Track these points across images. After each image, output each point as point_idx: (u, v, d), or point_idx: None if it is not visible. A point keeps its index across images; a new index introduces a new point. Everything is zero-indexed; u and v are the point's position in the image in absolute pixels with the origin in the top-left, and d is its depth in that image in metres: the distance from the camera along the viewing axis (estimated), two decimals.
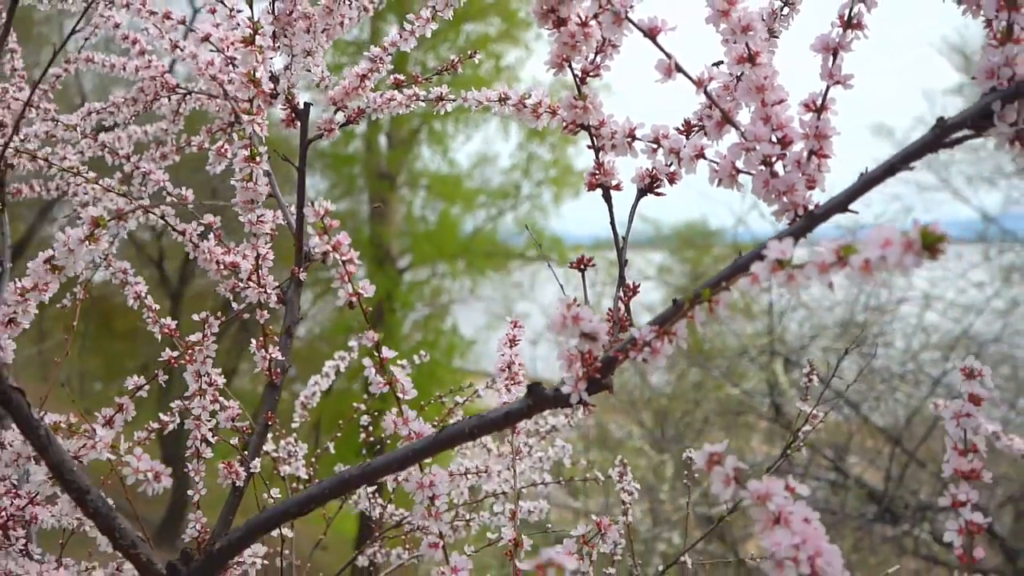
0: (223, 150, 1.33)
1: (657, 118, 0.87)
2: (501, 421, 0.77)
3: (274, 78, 1.16)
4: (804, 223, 0.70)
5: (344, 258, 0.81)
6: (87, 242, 0.86)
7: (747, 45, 0.74)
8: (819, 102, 0.74)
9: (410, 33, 1.21)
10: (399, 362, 0.88)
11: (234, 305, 1.19)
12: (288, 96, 1.18)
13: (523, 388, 0.91)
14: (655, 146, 0.84)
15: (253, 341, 1.17)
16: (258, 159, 0.98)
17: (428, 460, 0.85)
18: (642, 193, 0.87)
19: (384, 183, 10.39)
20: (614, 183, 0.86)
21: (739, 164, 0.76)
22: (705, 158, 0.81)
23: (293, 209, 1.29)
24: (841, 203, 0.69)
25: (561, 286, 1.05)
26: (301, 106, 1.22)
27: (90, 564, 1.17)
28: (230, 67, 1.24)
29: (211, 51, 1.24)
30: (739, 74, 0.76)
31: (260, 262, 1.12)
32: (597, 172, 0.86)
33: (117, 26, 1.35)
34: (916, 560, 6.28)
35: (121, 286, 1.35)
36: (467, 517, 1.48)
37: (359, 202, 10.68)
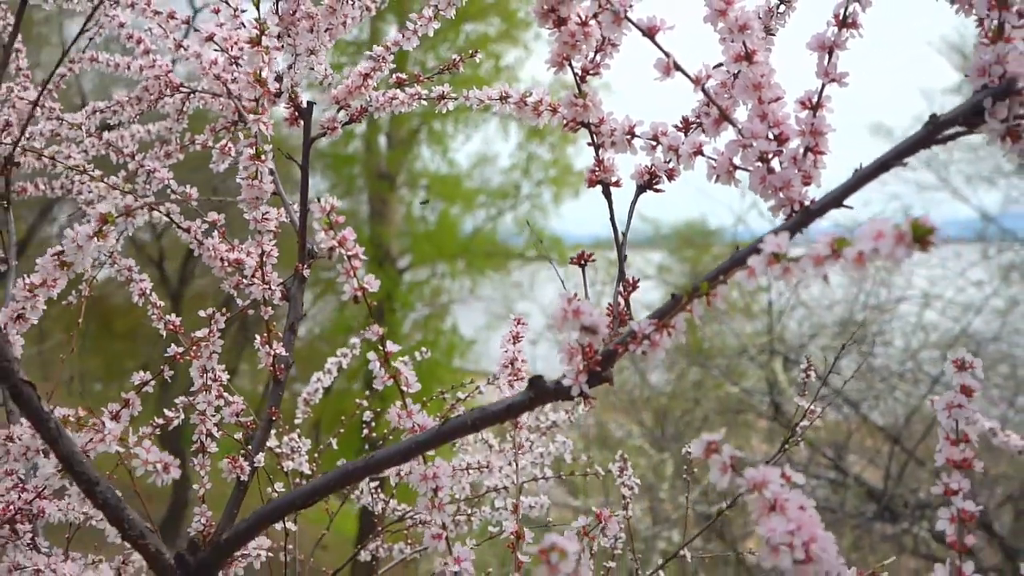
0: (227, 148, 1.34)
1: (656, 116, 0.89)
2: (503, 413, 0.79)
3: (278, 77, 1.17)
4: (800, 218, 0.72)
5: (349, 253, 0.83)
6: (95, 238, 0.87)
7: (744, 43, 0.76)
8: (815, 100, 0.75)
9: (413, 32, 1.23)
10: (401, 358, 0.90)
11: (238, 301, 1.20)
12: (292, 95, 1.20)
13: (525, 384, 0.92)
14: (654, 143, 0.85)
15: (257, 337, 1.18)
16: (263, 157, 1.00)
17: (431, 453, 0.86)
18: (641, 189, 0.89)
19: (384, 183, 10.41)
20: (614, 180, 0.88)
21: (736, 160, 0.78)
22: (703, 155, 0.82)
23: (295, 207, 1.31)
24: (836, 199, 0.70)
25: (562, 281, 1.06)
26: (304, 105, 1.24)
27: (96, 557, 1.18)
28: (234, 66, 1.25)
29: (215, 51, 1.26)
30: (736, 72, 0.78)
31: (264, 259, 1.13)
32: (597, 169, 0.88)
33: (122, 25, 1.37)
34: (916, 559, 6.29)
35: (126, 283, 1.36)
36: (468, 511, 1.50)
37: (359, 202, 10.69)
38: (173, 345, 1.15)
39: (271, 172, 1.04)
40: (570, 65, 0.84)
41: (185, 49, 1.30)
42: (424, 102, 1.27)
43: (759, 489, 0.63)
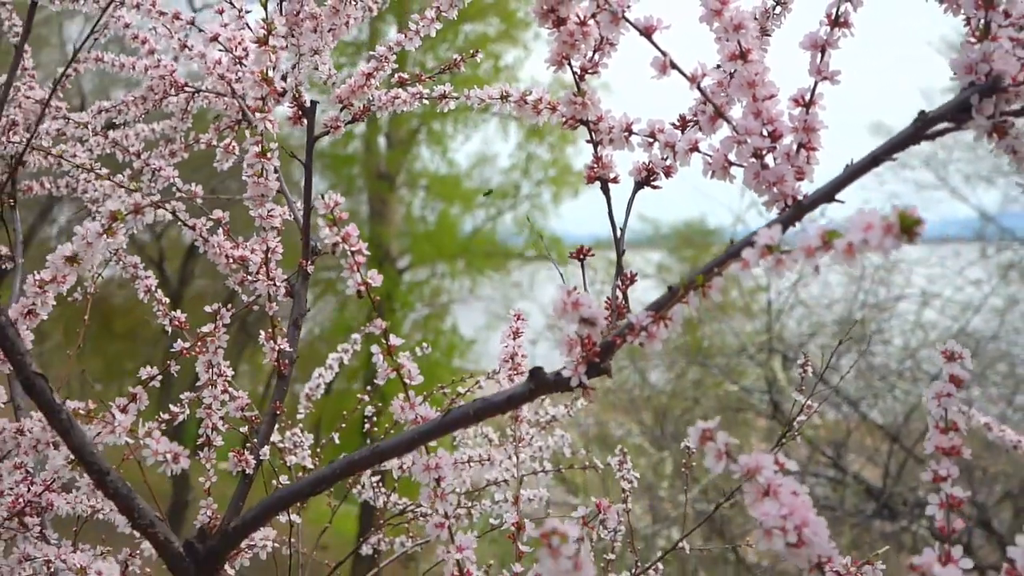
0: (231, 147, 1.36)
1: (654, 115, 0.90)
2: (504, 404, 0.81)
3: (282, 77, 1.19)
4: (793, 212, 0.74)
5: (353, 249, 0.85)
6: (105, 235, 0.89)
7: (739, 43, 0.78)
8: (808, 97, 0.77)
9: (415, 32, 1.25)
10: (402, 352, 0.92)
11: (243, 298, 1.22)
12: (296, 94, 1.22)
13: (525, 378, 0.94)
14: (651, 140, 0.87)
15: (262, 333, 1.20)
16: (269, 155, 1.01)
17: (433, 444, 0.88)
18: (639, 186, 0.91)
19: (383, 183, 10.43)
20: (612, 176, 0.90)
21: (731, 157, 0.80)
22: (699, 151, 0.84)
23: (299, 204, 1.33)
24: (828, 193, 0.72)
25: (563, 278, 1.08)
26: (308, 104, 1.26)
27: (105, 548, 1.20)
28: (238, 66, 1.27)
29: (219, 51, 1.28)
30: (732, 71, 0.80)
31: (269, 255, 1.15)
32: (595, 166, 0.90)
33: (127, 26, 1.39)
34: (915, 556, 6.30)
35: (131, 280, 1.38)
36: (468, 505, 1.52)
37: (359, 202, 10.72)
38: (179, 341, 1.17)
39: (275, 170, 1.06)
40: (569, 64, 0.86)
41: (190, 49, 1.32)
42: (426, 101, 1.29)
43: (753, 475, 0.65)
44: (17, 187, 1.54)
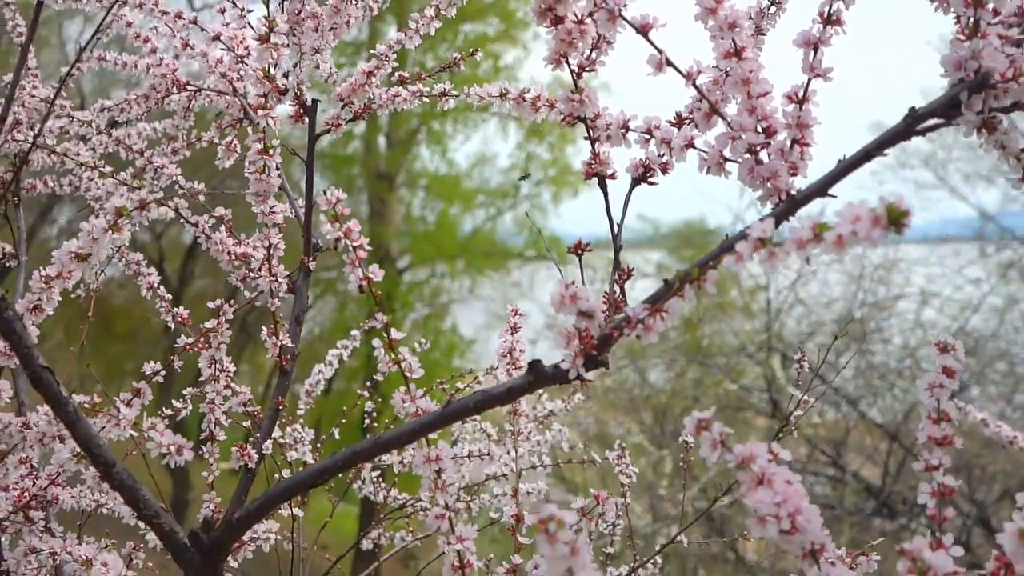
0: (232, 145, 1.38)
1: (652, 113, 0.92)
2: (503, 396, 0.82)
3: (284, 75, 1.21)
4: (786, 207, 0.75)
5: (355, 244, 0.86)
6: (110, 231, 0.91)
7: (733, 41, 0.79)
8: (801, 94, 0.79)
9: (415, 31, 1.26)
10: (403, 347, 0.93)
11: (246, 294, 1.24)
12: (297, 93, 1.23)
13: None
14: (648, 137, 0.89)
15: (264, 329, 1.22)
16: (271, 152, 1.03)
17: (433, 436, 0.89)
18: (636, 182, 0.92)
19: (383, 183, 10.45)
20: (609, 172, 0.91)
21: (726, 152, 0.81)
22: (695, 147, 0.85)
23: (300, 202, 1.34)
24: (820, 188, 0.73)
25: (562, 273, 1.09)
26: (309, 102, 1.27)
27: (110, 541, 1.22)
28: (239, 65, 1.28)
29: (221, 49, 1.29)
30: (727, 69, 0.81)
31: (272, 252, 1.17)
32: (593, 162, 0.91)
33: (129, 25, 1.40)
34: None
35: (134, 276, 1.39)
36: (468, 499, 1.53)
37: (358, 202, 10.73)
38: (183, 337, 1.19)
39: (277, 167, 1.08)
40: (567, 62, 0.87)
41: (192, 48, 1.33)
42: (426, 99, 1.30)
43: (747, 464, 0.66)
44: (20, 186, 1.55)
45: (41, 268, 0.97)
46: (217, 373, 1.19)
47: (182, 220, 1.24)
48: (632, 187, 0.92)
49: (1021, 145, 0.72)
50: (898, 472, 6.60)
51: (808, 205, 0.78)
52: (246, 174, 1.05)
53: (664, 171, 0.91)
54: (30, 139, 1.45)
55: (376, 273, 0.89)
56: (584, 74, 0.90)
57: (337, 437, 1.76)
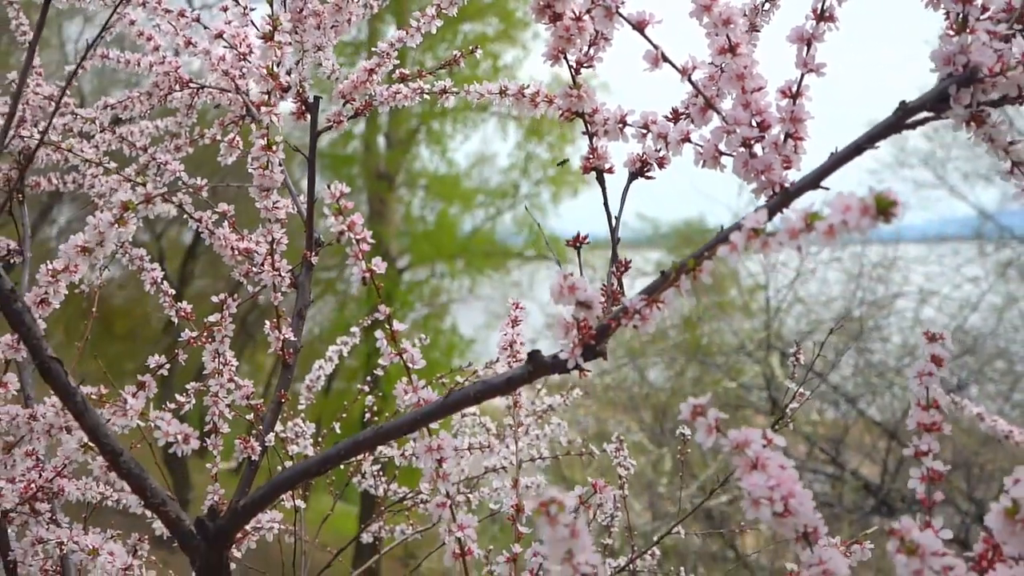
0: (234, 142, 1.39)
1: (649, 110, 0.93)
2: (503, 386, 0.84)
3: (287, 72, 1.22)
4: (780, 199, 0.77)
5: (358, 237, 0.88)
6: (117, 225, 0.92)
7: (728, 37, 0.81)
8: (794, 89, 0.80)
9: (416, 29, 1.28)
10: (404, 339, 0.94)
11: (249, 288, 1.25)
12: (299, 90, 1.25)
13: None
14: (645, 132, 0.90)
15: (267, 323, 1.23)
16: (274, 148, 1.04)
17: (435, 427, 0.91)
18: (633, 176, 0.94)
19: (383, 183, 10.46)
20: (607, 166, 0.93)
21: (721, 146, 0.83)
22: (691, 142, 0.87)
23: (302, 198, 1.36)
24: (813, 180, 0.75)
25: (561, 269, 1.11)
26: (311, 100, 1.29)
27: (115, 532, 1.23)
28: (242, 62, 1.30)
29: (224, 47, 1.31)
30: (722, 64, 0.83)
31: (275, 247, 1.18)
32: (591, 156, 0.93)
33: (133, 23, 1.42)
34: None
35: (138, 272, 1.40)
36: (467, 491, 1.55)
37: (358, 202, 10.74)
38: (186, 331, 1.20)
39: (280, 162, 1.09)
40: (565, 58, 0.89)
41: (194, 46, 1.35)
42: (426, 96, 1.32)
43: (742, 448, 0.68)
44: (25, 183, 1.57)
45: (48, 262, 0.98)
46: (221, 367, 1.21)
47: (185, 215, 1.25)
48: (629, 181, 0.94)
49: (1009, 138, 0.74)
50: (897, 470, 6.62)
51: (803, 199, 0.80)
52: (249, 170, 1.07)
53: (661, 165, 0.93)
54: (35, 136, 1.47)
55: (379, 266, 0.90)
56: (582, 70, 0.91)
57: (338, 432, 1.77)
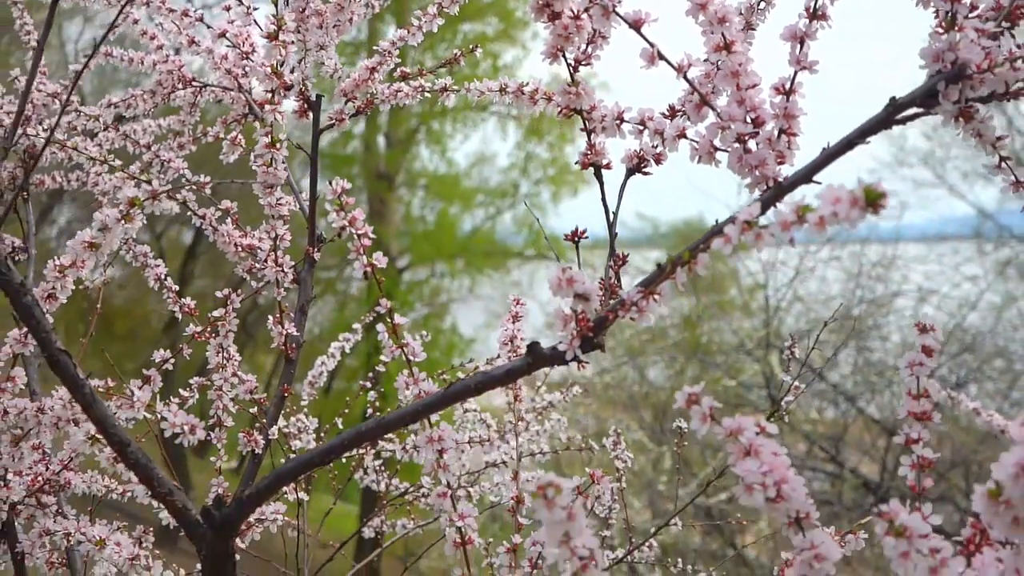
0: (237, 140, 1.41)
1: (646, 107, 0.95)
2: (503, 377, 0.85)
3: (290, 71, 1.24)
4: (773, 193, 0.78)
5: (359, 232, 0.89)
6: (123, 220, 0.94)
7: (723, 35, 0.83)
8: (788, 86, 0.82)
9: (417, 28, 1.30)
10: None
11: (252, 284, 1.27)
12: (302, 88, 1.26)
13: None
14: (641, 128, 0.92)
15: (271, 318, 1.25)
16: (278, 145, 1.06)
17: (435, 418, 0.93)
18: (631, 172, 0.95)
19: (382, 183, 10.48)
20: (605, 162, 0.95)
21: (716, 142, 0.85)
22: (687, 137, 0.89)
23: (304, 195, 1.37)
24: (805, 175, 0.77)
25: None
26: (313, 98, 1.30)
27: (121, 524, 1.25)
28: (244, 61, 1.32)
29: (227, 46, 1.32)
30: (717, 62, 0.84)
31: (278, 243, 1.20)
32: (589, 152, 0.94)
33: (136, 22, 1.44)
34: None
35: (141, 268, 1.42)
36: (467, 485, 1.56)
37: (358, 202, 10.71)
38: (191, 326, 1.22)
39: (283, 160, 1.11)
40: (563, 56, 0.90)
41: (197, 45, 1.37)
42: (427, 94, 1.33)
43: (735, 435, 0.69)
44: (30, 181, 1.58)
45: (56, 257, 1.00)
46: (224, 361, 1.23)
47: (189, 212, 1.27)
48: (627, 177, 0.95)
49: (997, 134, 0.75)
50: (896, 468, 6.63)
51: (796, 193, 0.81)
52: (253, 167, 1.09)
53: (658, 161, 0.95)
54: (41, 135, 1.48)
55: (380, 260, 0.92)
56: (580, 68, 0.93)
57: (341, 428, 1.79)
